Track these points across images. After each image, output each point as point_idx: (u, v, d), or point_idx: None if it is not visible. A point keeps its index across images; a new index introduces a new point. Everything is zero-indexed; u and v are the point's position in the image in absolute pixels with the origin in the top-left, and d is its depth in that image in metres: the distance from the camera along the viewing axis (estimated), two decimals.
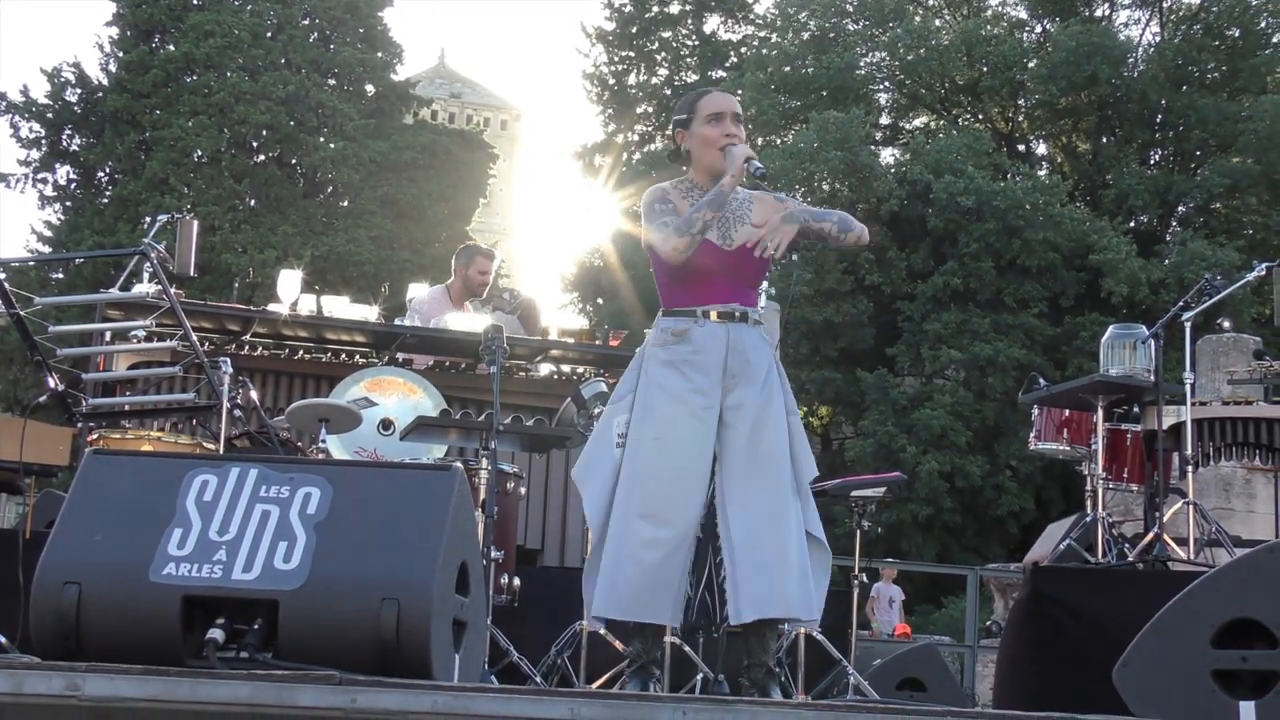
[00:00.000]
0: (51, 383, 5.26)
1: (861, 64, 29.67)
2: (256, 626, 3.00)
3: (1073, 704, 4.11)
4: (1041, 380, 7.13)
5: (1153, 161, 28.85)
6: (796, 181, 24.68)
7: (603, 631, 5.43)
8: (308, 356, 7.15)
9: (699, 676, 5.48)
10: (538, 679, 5.24)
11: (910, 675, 7.03)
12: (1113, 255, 23.96)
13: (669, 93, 35.15)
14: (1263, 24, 27.72)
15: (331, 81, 28.84)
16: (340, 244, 26.25)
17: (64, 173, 28.26)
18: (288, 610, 3.00)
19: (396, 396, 6.48)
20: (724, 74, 33.11)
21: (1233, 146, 26.43)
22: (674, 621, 4.19)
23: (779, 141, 28.58)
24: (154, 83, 26.88)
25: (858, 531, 6.59)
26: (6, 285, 5.00)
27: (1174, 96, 27.33)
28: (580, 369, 7.45)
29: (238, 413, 5.58)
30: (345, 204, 28.25)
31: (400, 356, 7.14)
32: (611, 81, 35.13)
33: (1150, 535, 5.99)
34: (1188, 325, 6.25)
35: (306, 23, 28.94)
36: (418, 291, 7.81)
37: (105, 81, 27.97)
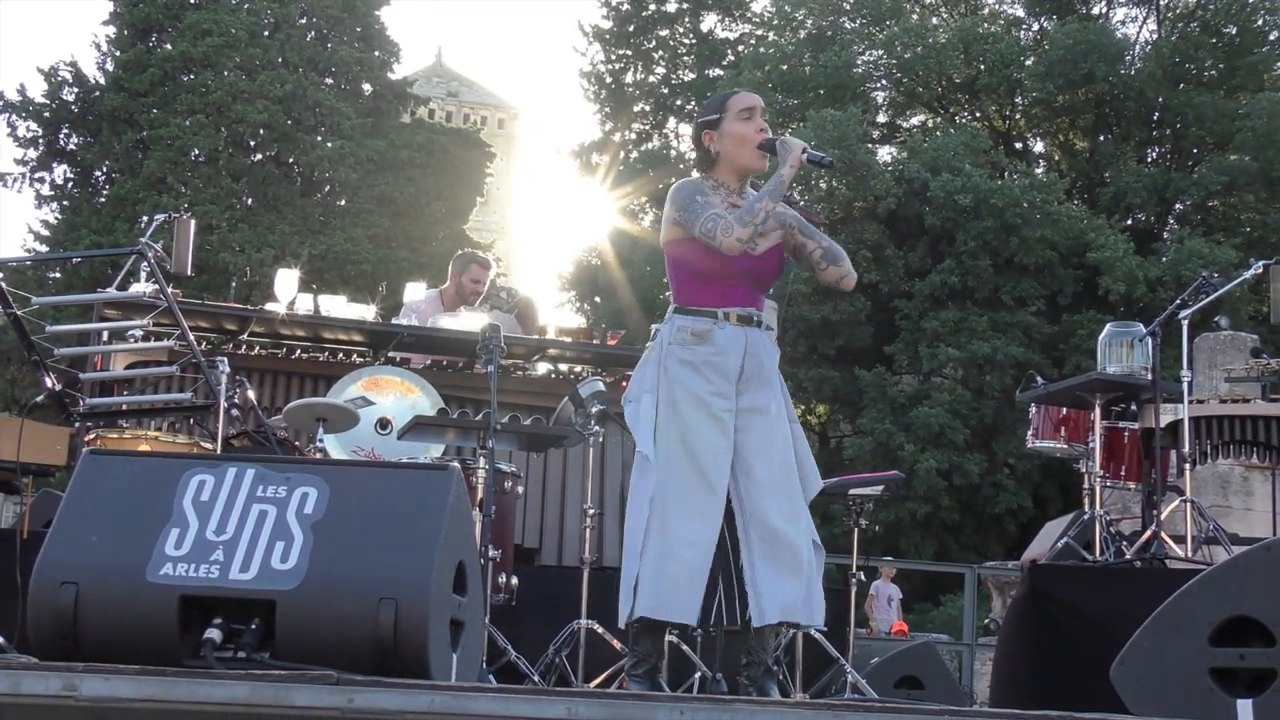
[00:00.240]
0: (49, 382, 5.26)
1: (859, 62, 29.68)
2: (254, 626, 2.99)
3: (1070, 702, 4.12)
4: (1039, 378, 7.14)
5: (1150, 159, 28.87)
6: (793, 180, 24.66)
7: (600, 630, 5.44)
8: (305, 356, 7.14)
9: (697, 675, 5.49)
10: (536, 678, 5.24)
11: (908, 673, 7.03)
12: (1110, 253, 23.97)
13: (666, 91, 35.18)
14: (1260, 22, 27.74)
15: (329, 80, 28.84)
16: (338, 243, 26.24)
17: (61, 172, 28.26)
18: (285, 610, 2.99)
19: (394, 396, 6.48)
20: (721, 72, 33.13)
21: (1230, 144, 26.45)
22: (693, 620, 4.21)
23: None
24: (151, 82, 26.86)
25: (855, 530, 6.59)
26: (4, 285, 5.00)
27: (1171, 94, 27.35)
28: (578, 368, 7.45)
29: (235, 412, 5.58)
30: (342, 203, 28.24)
31: (398, 356, 7.13)
32: (609, 80, 35.13)
33: (1148, 533, 5.99)
34: (1185, 323, 6.24)
35: (304, 22, 28.93)
36: (414, 293, 7.81)
37: (102, 80, 27.96)
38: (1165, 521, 6.14)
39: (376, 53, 29.71)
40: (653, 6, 34.80)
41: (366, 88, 29.57)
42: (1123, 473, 6.79)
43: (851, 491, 6.64)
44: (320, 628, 2.98)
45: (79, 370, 5.99)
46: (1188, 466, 6.22)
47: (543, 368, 7.48)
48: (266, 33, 28.07)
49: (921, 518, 23.44)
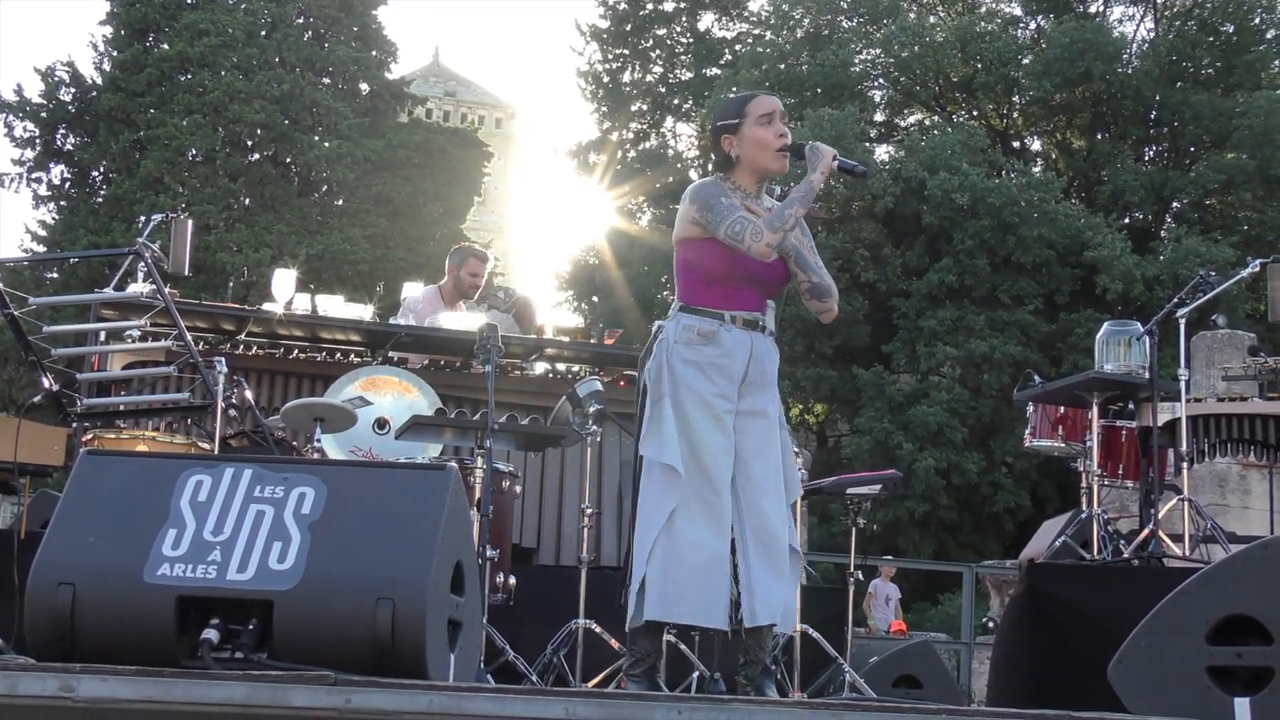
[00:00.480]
0: (46, 383, 5.25)
1: (856, 61, 29.69)
2: (251, 627, 2.99)
3: (1068, 700, 4.12)
4: (1037, 377, 7.14)
5: (1147, 158, 28.89)
6: (791, 180, 24.67)
7: (598, 630, 5.44)
8: (303, 356, 7.14)
9: (694, 675, 5.49)
10: (534, 678, 5.24)
11: (906, 673, 7.03)
12: (1107, 252, 23.99)
13: (663, 91, 35.19)
14: (1257, 20, 27.78)
15: (326, 80, 28.82)
16: (335, 243, 26.23)
17: (58, 172, 28.25)
18: (282, 610, 2.99)
19: (391, 396, 6.47)
20: (718, 71, 33.13)
21: (1227, 142, 26.47)
22: (724, 624, 4.21)
23: None
24: (148, 82, 26.84)
25: (853, 529, 6.59)
26: (1, 285, 4.99)
27: (1168, 93, 27.37)
28: (575, 368, 7.45)
29: (232, 412, 5.58)
30: (340, 203, 28.23)
31: (395, 355, 7.13)
32: (606, 79, 35.13)
33: (1145, 532, 6.00)
34: (1182, 322, 6.25)
35: (301, 21, 28.91)
36: (412, 291, 7.81)
37: (99, 81, 27.94)
38: (1163, 520, 6.14)
39: (374, 52, 29.70)
40: (650, 6, 34.80)
41: (364, 87, 29.55)
42: (1120, 471, 6.79)
43: (849, 491, 6.64)
44: (318, 628, 2.98)
45: (76, 370, 5.99)
46: (1185, 465, 6.22)
47: (540, 367, 7.48)
48: (263, 32, 28.05)
49: (920, 517, 23.45)
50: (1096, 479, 6.53)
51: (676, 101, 35.09)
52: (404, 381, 6.58)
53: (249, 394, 5.81)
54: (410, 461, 5.74)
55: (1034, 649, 5.45)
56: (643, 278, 29.95)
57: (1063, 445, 7.09)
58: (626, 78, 35.39)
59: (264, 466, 3.25)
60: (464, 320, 7.07)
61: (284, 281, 7.07)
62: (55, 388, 5.31)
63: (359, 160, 27.11)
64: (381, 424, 6.37)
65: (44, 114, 27.69)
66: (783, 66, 29.31)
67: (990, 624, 13.18)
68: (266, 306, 7.06)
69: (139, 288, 6.23)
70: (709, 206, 4.25)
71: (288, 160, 27.82)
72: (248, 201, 27.31)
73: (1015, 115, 30.56)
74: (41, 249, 26.86)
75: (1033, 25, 30.55)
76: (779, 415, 4.42)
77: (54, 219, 27.67)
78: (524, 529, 6.90)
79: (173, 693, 2.66)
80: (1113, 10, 29.95)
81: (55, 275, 26.21)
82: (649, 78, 35.47)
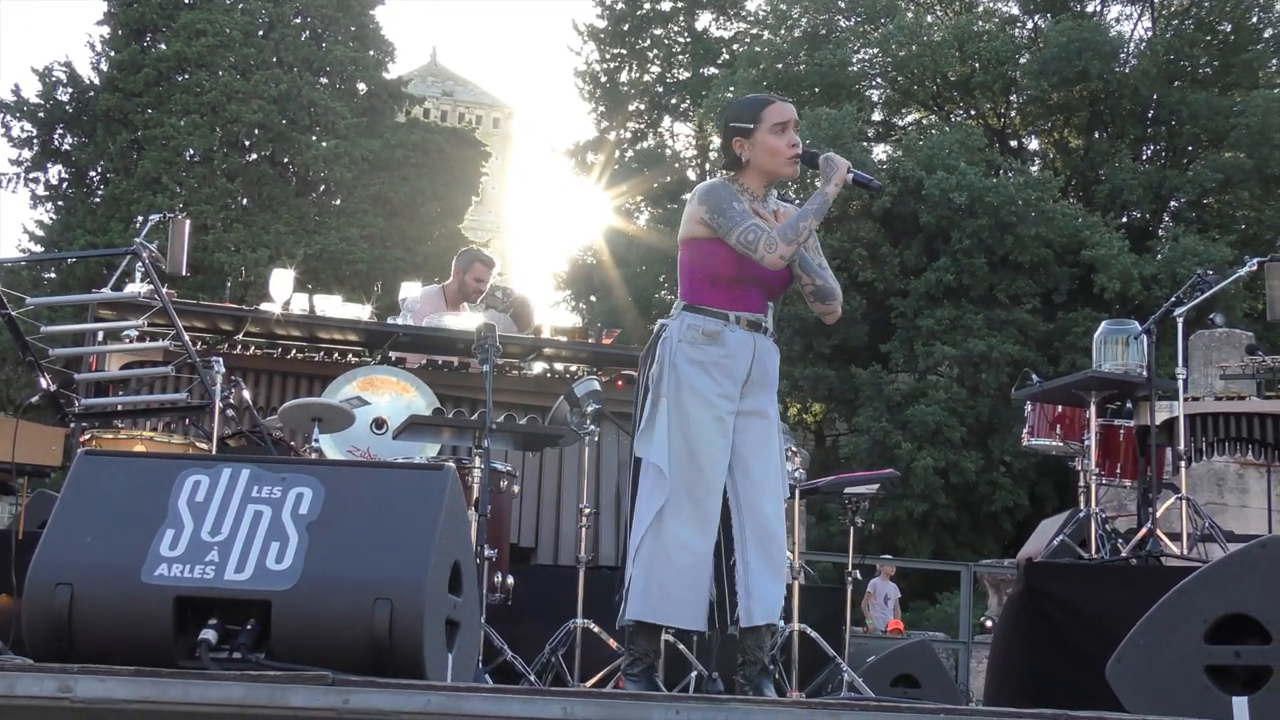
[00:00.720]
0: (44, 383, 5.25)
1: (854, 60, 29.68)
2: (249, 627, 2.99)
3: (1066, 699, 4.12)
4: (1035, 376, 7.14)
5: (1145, 157, 28.90)
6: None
7: (596, 629, 5.44)
8: (300, 356, 7.14)
9: (693, 674, 5.49)
10: (532, 678, 5.24)
11: (904, 672, 7.03)
12: (1105, 251, 23.99)
13: (661, 90, 35.18)
14: (1254, 19, 27.78)
15: (323, 80, 28.80)
16: (333, 243, 26.22)
17: (56, 172, 28.24)
18: (280, 611, 2.99)
19: (389, 395, 6.47)
20: (716, 71, 33.13)
21: (1225, 141, 26.48)
22: (702, 626, 4.22)
23: None
24: (145, 82, 26.83)
25: (851, 528, 6.59)
26: None
27: (1166, 92, 27.38)
28: (573, 367, 7.45)
29: (230, 412, 5.57)
30: (337, 203, 28.21)
31: (393, 355, 7.13)
32: (603, 79, 35.13)
33: (1143, 531, 6.00)
34: (1180, 321, 6.25)
35: (298, 21, 28.89)
36: (411, 290, 7.81)
37: (97, 81, 27.93)
38: (1161, 519, 6.15)
39: (371, 52, 29.68)
40: (647, 5, 34.79)
41: (361, 87, 29.54)
42: (1118, 470, 6.79)
43: (847, 490, 6.65)
44: (316, 628, 2.98)
45: (74, 371, 5.99)
46: (1183, 464, 6.22)
47: (538, 367, 7.48)
48: (261, 32, 28.04)
49: (918, 516, 23.45)
50: (1094, 478, 6.53)
51: (674, 101, 35.08)
52: (402, 381, 6.58)
53: (247, 394, 5.80)
54: (408, 461, 5.74)
55: (1032, 648, 5.45)
56: (640, 277, 29.94)
57: (1061, 444, 7.10)
58: (624, 77, 35.39)
59: (262, 467, 3.25)
60: (462, 320, 7.07)
61: (282, 281, 7.07)
62: (53, 388, 5.31)
63: (357, 160, 27.10)
64: (379, 424, 6.37)
65: (41, 114, 27.68)
66: (780, 66, 29.29)
67: (988, 623, 13.17)
68: (264, 306, 7.06)
69: (137, 288, 6.22)
70: (720, 210, 4.25)
71: (285, 160, 27.81)
72: (245, 201, 27.29)
73: (1013, 114, 30.56)
74: (39, 249, 26.85)
75: (1030, 24, 30.55)
76: (777, 415, 4.44)
77: (51, 219, 27.66)
78: (522, 529, 6.90)
79: (170, 693, 2.66)
80: (1110, 9, 29.98)
81: (53, 275, 26.21)
82: (646, 77, 35.46)
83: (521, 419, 7.09)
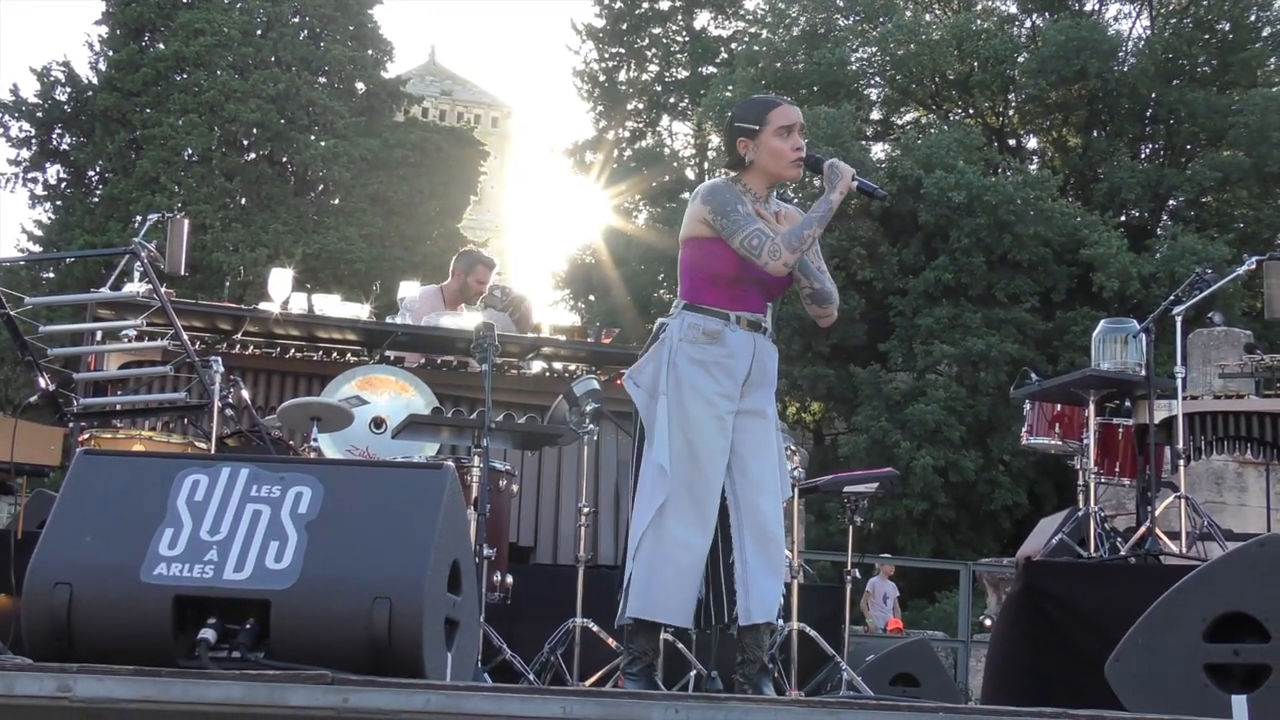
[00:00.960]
0: (43, 383, 5.25)
1: (852, 59, 29.68)
2: (248, 626, 2.99)
3: (1064, 698, 4.12)
4: (1033, 375, 7.14)
5: (1143, 155, 28.89)
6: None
7: (595, 628, 5.45)
8: (299, 355, 7.14)
9: (692, 673, 5.49)
10: (531, 677, 5.24)
11: (903, 671, 7.04)
12: (1104, 250, 23.99)
13: (659, 89, 35.19)
14: (1252, 17, 27.76)
15: (322, 79, 28.79)
16: (331, 242, 26.22)
17: (54, 172, 28.25)
18: (279, 610, 2.99)
19: (388, 395, 6.47)
20: (714, 70, 33.13)
21: (1223, 140, 26.47)
22: (690, 623, 4.24)
23: None
24: (144, 81, 26.83)
25: (850, 527, 6.60)
26: None
27: (1164, 90, 27.38)
28: (572, 366, 7.46)
29: (229, 412, 5.57)
30: (336, 202, 28.21)
31: (392, 355, 7.13)
32: (602, 78, 35.13)
33: (1142, 529, 6.00)
34: (1179, 319, 6.25)
35: (296, 20, 28.88)
36: (409, 290, 7.81)
37: (95, 80, 27.93)
38: (1160, 517, 6.15)
39: (370, 51, 29.68)
40: (645, 4, 34.78)
41: (360, 87, 29.53)
42: (1117, 469, 6.79)
43: (847, 489, 6.66)
44: (315, 627, 2.98)
45: (73, 370, 5.99)
46: (1182, 463, 6.22)
47: (537, 366, 7.48)
48: (259, 32, 28.03)
49: (918, 515, 23.45)
50: (1093, 477, 6.53)
51: (673, 100, 35.08)
52: (401, 380, 6.58)
53: (245, 393, 5.80)
54: (407, 460, 5.74)
55: (1030, 647, 5.45)
56: (639, 276, 29.93)
57: (1060, 443, 7.10)
58: (622, 76, 35.39)
59: (261, 466, 3.25)
60: (460, 319, 7.07)
61: (280, 281, 7.08)
62: (52, 387, 5.30)
63: (355, 159, 27.10)
64: (378, 423, 6.37)
65: (40, 114, 27.69)
66: (779, 65, 29.29)
67: (987, 622, 13.17)
68: (263, 306, 7.07)
69: (135, 287, 6.22)
70: (724, 212, 4.26)
71: (284, 159, 27.80)
72: (244, 201, 27.28)
73: (1011, 113, 30.55)
74: (37, 249, 26.85)
75: (1028, 23, 30.54)
76: (775, 415, 4.45)
77: (50, 219, 27.66)
78: (521, 528, 6.90)
79: (170, 692, 2.66)
80: (1108, 8, 29.99)
81: (51, 275, 26.21)
82: (645, 76, 35.47)
83: (520, 418, 7.09)
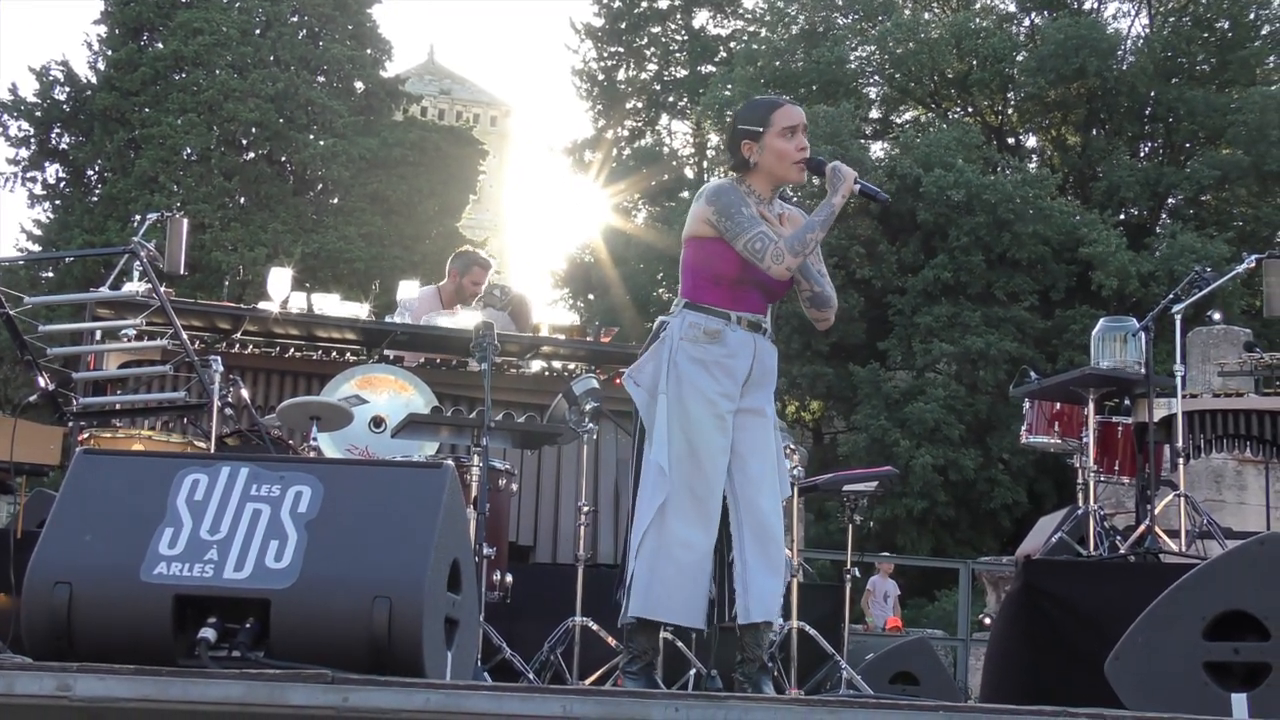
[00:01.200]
0: (42, 382, 5.25)
1: (851, 58, 29.67)
2: (248, 625, 2.99)
3: (1064, 697, 4.12)
4: (1032, 373, 7.15)
5: (1142, 154, 28.89)
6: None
7: (595, 627, 5.45)
8: (298, 354, 7.14)
9: (692, 672, 5.49)
10: (530, 676, 5.24)
11: (903, 669, 7.05)
12: (1103, 248, 23.98)
13: (658, 88, 35.18)
14: (1252, 16, 27.76)
15: (320, 78, 28.77)
16: (330, 241, 26.20)
17: (53, 171, 28.22)
18: (279, 609, 2.99)
19: (387, 394, 6.47)
20: (714, 69, 33.11)
21: (1222, 138, 26.47)
22: (702, 624, 4.24)
23: None
24: (142, 81, 26.81)
25: (850, 526, 6.60)
26: None
27: (1163, 89, 27.38)
28: (571, 365, 7.46)
29: (228, 411, 5.57)
30: (335, 201, 28.19)
31: (391, 354, 7.13)
32: (601, 77, 35.12)
33: (1142, 528, 6.00)
34: (1178, 318, 6.26)
35: (295, 20, 28.86)
36: (408, 290, 7.81)
37: (94, 80, 27.91)
38: (1159, 516, 6.15)
39: (368, 51, 29.65)
40: (644, 3, 34.77)
41: (358, 86, 29.51)
42: (1116, 467, 6.80)
43: (846, 488, 6.66)
44: (315, 626, 2.98)
45: (72, 370, 5.99)
46: (1181, 461, 6.23)
47: (536, 365, 7.49)
48: (258, 31, 28.02)
49: (918, 514, 23.44)
50: (1093, 475, 6.53)
51: (671, 99, 35.07)
52: (400, 380, 6.58)
53: (245, 393, 5.80)
54: (406, 460, 5.74)
55: (1030, 645, 5.45)
56: (638, 275, 29.91)
57: (1059, 441, 7.10)
58: (621, 75, 35.38)
59: (260, 465, 3.25)
60: (460, 318, 7.07)
61: (279, 280, 7.08)
62: (51, 387, 5.30)
63: (354, 159, 27.08)
64: (378, 422, 6.37)
65: (39, 113, 27.68)
66: (778, 63, 29.29)
67: (986, 620, 13.17)
68: (262, 305, 7.07)
69: (134, 287, 6.23)
70: (728, 214, 4.27)
71: (283, 159, 27.79)
72: (243, 200, 27.27)
73: (1010, 112, 30.54)
74: (37, 248, 26.84)
75: (1027, 22, 30.53)
76: (774, 414, 4.46)
77: (49, 218, 27.64)
78: (521, 527, 6.91)
79: (170, 692, 2.66)
80: (1107, 6, 30.16)
81: (50, 274, 26.20)
82: (644, 75, 35.46)
83: (520, 417, 7.09)
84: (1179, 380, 6.31)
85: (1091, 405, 6.52)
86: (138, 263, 5.83)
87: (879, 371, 25.15)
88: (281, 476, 3.20)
